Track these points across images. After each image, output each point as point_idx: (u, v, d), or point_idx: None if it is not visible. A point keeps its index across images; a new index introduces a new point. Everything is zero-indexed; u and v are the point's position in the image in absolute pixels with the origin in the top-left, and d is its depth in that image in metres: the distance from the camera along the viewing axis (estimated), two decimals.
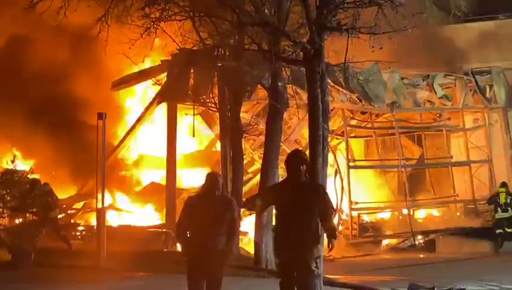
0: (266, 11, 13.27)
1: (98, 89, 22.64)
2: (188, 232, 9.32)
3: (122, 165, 23.35)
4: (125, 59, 19.02)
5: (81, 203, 22.47)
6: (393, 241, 21.39)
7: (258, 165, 19.27)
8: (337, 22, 12.48)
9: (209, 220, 9.10)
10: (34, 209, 19.29)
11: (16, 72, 21.79)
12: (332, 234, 9.16)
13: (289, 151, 19.30)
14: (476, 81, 25.65)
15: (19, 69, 21.80)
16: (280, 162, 16.71)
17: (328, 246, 9.08)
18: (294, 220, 9.05)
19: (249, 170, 19.36)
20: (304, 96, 15.86)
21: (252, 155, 20.54)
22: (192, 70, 19.53)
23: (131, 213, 22.18)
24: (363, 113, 23.42)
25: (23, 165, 22.27)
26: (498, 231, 22.03)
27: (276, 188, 10.66)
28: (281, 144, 17.45)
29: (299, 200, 9.06)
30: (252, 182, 19.65)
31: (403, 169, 24.08)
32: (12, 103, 21.60)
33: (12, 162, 20.41)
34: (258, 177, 18.88)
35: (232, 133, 18.21)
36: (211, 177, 9.70)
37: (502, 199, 22.34)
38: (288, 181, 9.55)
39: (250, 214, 18.55)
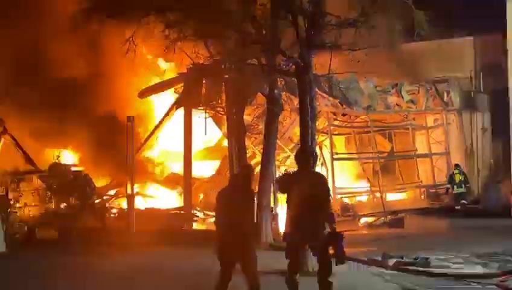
0: (264, 31, 13.19)
1: (128, 96, 22.59)
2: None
3: (147, 159, 23.23)
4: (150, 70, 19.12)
5: (114, 191, 22.33)
6: (369, 219, 21.38)
7: (258, 158, 19.20)
8: (322, 41, 12.51)
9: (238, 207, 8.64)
10: (76, 195, 19.34)
11: (65, 84, 21.22)
12: (332, 220, 8.90)
13: (284, 147, 19.24)
14: (435, 88, 25.82)
15: (67, 82, 21.25)
16: (276, 155, 16.85)
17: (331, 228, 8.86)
18: (306, 205, 8.74)
19: (251, 162, 19.28)
20: (296, 101, 15.77)
21: (254, 150, 20.44)
22: (204, 81, 19.47)
23: (155, 198, 22.16)
24: (343, 115, 23.30)
25: (68, 160, 22.47)
26: (454, 200, 23.45)
27: (291, 178, 10.14)
28: (277, 141, 17.45)
29: (310, 188, 8.86)
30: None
31: (376, 160, 24.13)
32: (61, 110, 21.38)
33: (58, 157, 20.38)
34: (258, 167, 18.85)
35: (236, 132, 18.24)
36: (242, 171, 9.71)
37: (457, 178, 23.38)
38: (299, 172, 9.38)
39: None
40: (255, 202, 9.38)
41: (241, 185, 8.96)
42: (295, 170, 9.73)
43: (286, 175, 11.71)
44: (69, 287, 11.51)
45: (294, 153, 10.16)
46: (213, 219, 10.99)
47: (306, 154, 9.75)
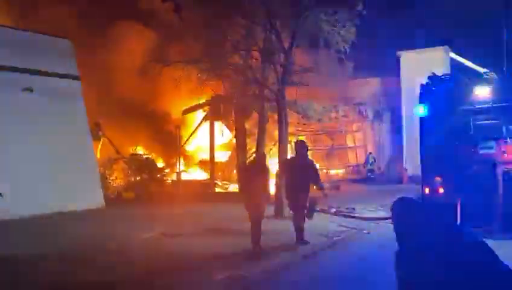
0: (258, 75, 13.23)
1: (176, 113, 22.54)
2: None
3: (187, 150, 23.05)
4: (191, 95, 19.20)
5: (168, 169, 22.08)
6: None
7: (254, 149, 19.20)
8: (292, 80, 12.60)
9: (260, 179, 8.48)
10: (146, 172, 19.37)
11: (139, 105, 20.97)
12: (322, 188, 8.97)
13: (268, 144, 18.74)
14: (358, 108, 25.62)
15: (141, 104, 21.02)
16: (264, 148, 16.80)
17: (323, 193, 8.96)
18: (298, 182, 8.68)
19: (250, 152, 19.26)
20: (275, 116, 15.72)
21: (251, 146, 20.42)
22: (221, 105, 19.50)
23: (192, 173, 22.20)
24: (304, 124, 23.29)
25: (141, 151, 22.45)
26: (368, 174, 23.32)
27: (289, 161, 10.06)
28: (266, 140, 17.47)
29: (303, 171, 8.73)
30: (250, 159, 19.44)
31: (324, 151, 24.32)
32: (136, 121, 21.15)
33: (135, 149, 20.38)
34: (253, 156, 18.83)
35: (241, 134, 18.27)
36: (259, 156, 9.54)
37: (370, 159, 23.56)
38: (296, 158, 9.17)
39: None
40: (268, 176, 8.80)
41: (258, 165, 8.85)
42: (293, 155, 9.43)
43: (289, 159, 11.17)
44: (144, 224, 11.49)
45: (294, 142, 9.84)
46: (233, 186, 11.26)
47: (303, 144, 9.36)
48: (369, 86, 26.06)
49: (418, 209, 2.78)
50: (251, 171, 8.92)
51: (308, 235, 9.20)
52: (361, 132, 26.44)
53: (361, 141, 26.31)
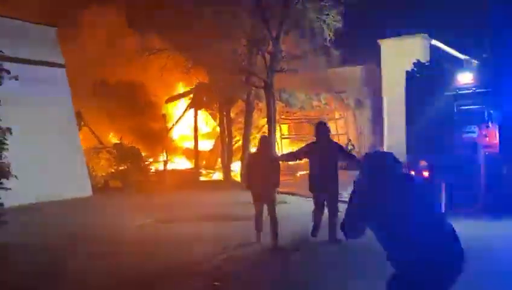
0: (245, 63, 13.34)
1: (161, 102, 22.39)
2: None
3: (172, 139, 22.98)
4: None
5: (152, 158, 21.89)
6: (303, 172, 21.48)
7: (238, 138, 19.33)
8: (281, 67, 12.75)
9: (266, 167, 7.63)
10: (130, 161, 19.24)
11: (123, 94, 20.75)
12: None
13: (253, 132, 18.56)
14: (340, 96, 25.78)
15: (125, 93, 20.78)
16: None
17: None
18: (325, 167, 7.66)
19: (235, 140, 19.36)
20: (261, 104, 15.91)
21: (237, 134, 20.52)
22: (205, 93, 19.50)
23: (176, 163, 22.17)
24: (287, 112, 23.49)
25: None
26: None
27: (311, 147, 8.17)
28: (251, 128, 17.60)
29: (329, 154, 7.73)
30: (236, 146, 19.58)
31: (306, 138, 24.47)
32: (120, 110, 20.98)
33: (120, 139, 20.17)
34: (238, 143, 18.98)
35: (226, 123, 18.34)
36: (264, 141, 8.17)
37: (349, 147, 22.91)
38: (318, 142, 7.88)
39: None
40: (278, 162, 8.06)
41: (264, 149, 7.91)
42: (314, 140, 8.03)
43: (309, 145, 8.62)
44: (130, 212, 11.60)
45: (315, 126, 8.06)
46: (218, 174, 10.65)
47: (325, 126, 8.07)
48: (351, 74, 26.29)
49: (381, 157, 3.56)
50: (258, 159, 7.91)
51: (297, 220, 9.45)
52: (343, 120, 26.72)
53: (343, 128, 26.58)
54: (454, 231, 3.32)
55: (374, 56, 25.00)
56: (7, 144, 4.38)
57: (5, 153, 4.41)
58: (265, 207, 7.87)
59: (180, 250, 7.74)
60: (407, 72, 11.13)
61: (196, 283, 6.07)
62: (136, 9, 16.22)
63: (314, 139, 8.10)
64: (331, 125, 26.40)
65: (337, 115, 26.97)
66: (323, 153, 7.67)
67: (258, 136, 17.78)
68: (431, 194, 3.72)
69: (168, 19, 13.80)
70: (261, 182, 7.59)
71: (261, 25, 12.25)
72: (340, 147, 8.48)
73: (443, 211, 3.96)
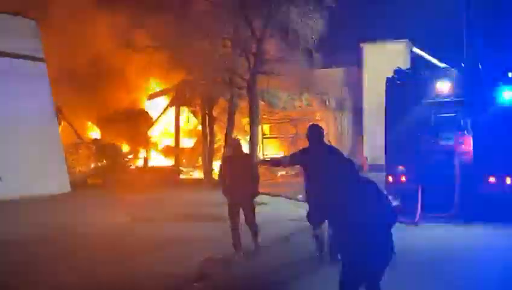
0: (227, 62, 13.39)
1: (141, 98, 22.29)
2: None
3: (152, 136, 22.89)
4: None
5: (131, 155, 21.88)
6: (283, 172, 21.58)
7: (219, 137, 19.37)
8: (264, 69, 12.85)
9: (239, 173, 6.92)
10: (110, 157, 19.20)
11: (105, 94, 20.74)
12: None
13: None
14: (322, 98, 25.87)
15: (107, 93, 20.75)
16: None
17: None
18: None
19: (216, 139, 19.40)
20: (242, 104, 15.88)
21: (218, 133, 20.52)
22: (187, 90, 19.48)
23: (156, 160, 22.12)
24: (269, 112, 23.57)
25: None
26: None
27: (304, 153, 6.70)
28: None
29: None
30: (217, 144, 19.63)
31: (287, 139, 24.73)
32: (100, 107, 20.88)
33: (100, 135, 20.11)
34: (219, 142, 19.02)
35: (208, 121, 18.33)
36: (235, 143, 7.39)
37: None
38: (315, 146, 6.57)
39: None
40: (256, 164, 7.56)
41: (240, 153, 7.20)
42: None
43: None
44: (108, 209, 11.64)
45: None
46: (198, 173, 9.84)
47: (319, 129, 6.71)
48: (333, 76, 26.54)
49: None
50: (233, 162, 7.14)
51: (277, 222, 9.57)
52: (324, 121, 26.93)
53: (324, 129, 26.77)
54: (389, 225, 4.15)
55: (356, 58, 25.42)
56: None
57: None
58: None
59: (156, 250, 7.75)
60: (387, 78, 11.35)
61: (171, 283, 6.10)
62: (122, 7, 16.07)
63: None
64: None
65: (318, 116, 27.24)
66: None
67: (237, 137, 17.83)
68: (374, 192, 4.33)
69: (151, 17, 13.77)
70: (237, 190, 6.90)
71: (245, 26, 12.32)
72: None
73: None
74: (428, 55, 22.53)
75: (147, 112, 19.02)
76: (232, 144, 7.49)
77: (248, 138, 13.92)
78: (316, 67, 17.07)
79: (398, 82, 11.18)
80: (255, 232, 7.30)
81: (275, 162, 8.20)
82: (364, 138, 23.92)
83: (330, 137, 26.30)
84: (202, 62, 14.11)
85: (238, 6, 12.14)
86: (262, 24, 12.36)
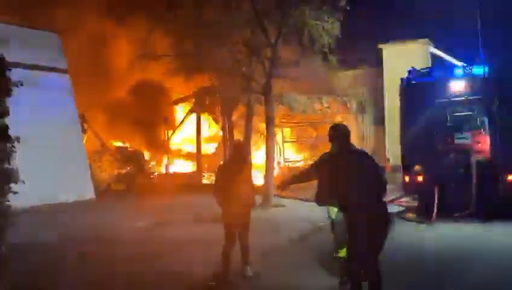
0: (245, 69, 13.66)
1: (163, 103, 22.73)
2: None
3: (174, 143, 23.33)
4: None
5: (154, 162, 22.42)
6: None
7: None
8: (278, 74, 13.07)
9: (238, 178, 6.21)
10: (133, 164, 19.70)
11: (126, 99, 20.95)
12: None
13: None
14: (343, 100, 25.83)
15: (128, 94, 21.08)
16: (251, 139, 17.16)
17: None
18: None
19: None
20: (260, 109, 16.08)
21: (239, 137, 20.74)
22: (207, 97, 19.85)
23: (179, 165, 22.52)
24: (288, 115, 23.73)
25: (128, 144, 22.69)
26: None
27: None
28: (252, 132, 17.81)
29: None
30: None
31: (308, 142, 24.81)
32: (124, 114, 21.33)
33: (124, 142, 20.59)
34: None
35: (228, 127, 18.68)
36: (238, 147, 6.86)
37: None
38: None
39: None
40: (251, 174, 6.70)
41: (239, 158, 6.44)
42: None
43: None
44: (130, 213, 12.10)
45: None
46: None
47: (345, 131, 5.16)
48: (353, 78, 26.56)
49: None
50: (231, 169, 6.35)
51: (294, 223, 9.79)
52: (345, 123, 26.89)
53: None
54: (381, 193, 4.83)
55: (377, 59, 25.38)
56: (15, 152, 4.79)
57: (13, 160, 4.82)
58: None
59: (176, 251, 8.07)
60: (402, 79, 11.48)
61: (188, 282, 6.39)
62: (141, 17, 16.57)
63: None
64: None
65: (339, 119, 27.23)
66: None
67: (261, 137, 17.93)
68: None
69: (171, 26, 14.18)
70: (236, 201, 6.14)
71: (260, 32, 12.59)
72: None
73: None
74: (447, 54, 22.34)
75: (166, 117, 19.44)
76: (234, 144, 6.87)
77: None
78: (333, 69, 17.24)
79: (413, 82, 11.30)
80: (246, 260, 6.47)
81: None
82: (386, 139, 23.80)
83: (353, 139, 26.29)
84: (219, 68, 14.50)
85: (254, 14, 12.40)
86: (277, 29, 12.59)
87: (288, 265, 7.28)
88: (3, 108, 4.69)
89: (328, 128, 5.21)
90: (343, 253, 5.68)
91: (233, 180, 6.13)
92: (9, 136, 4.73)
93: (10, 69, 4.85)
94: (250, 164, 6.67)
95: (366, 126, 26.65)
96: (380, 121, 25.07)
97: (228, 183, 6.15)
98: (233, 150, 6.53)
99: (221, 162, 6.68)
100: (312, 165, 5.53)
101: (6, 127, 4.73)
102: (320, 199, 4.94)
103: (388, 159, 22.58)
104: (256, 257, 7.59)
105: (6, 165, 4.81)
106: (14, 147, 4.76)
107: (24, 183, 4.70)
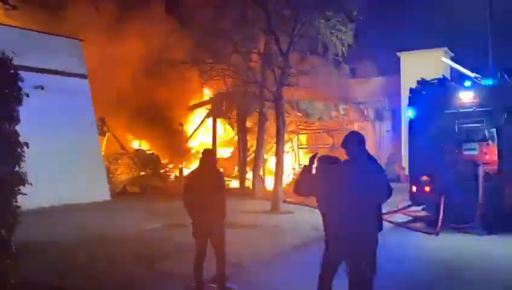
0: (258, 76, 13.96)
1: (180, 107, 23.14)
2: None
3: (191, 147, 23.67)
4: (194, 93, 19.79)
5: (171, 165, 22.69)
6: None
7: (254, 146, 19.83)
8: (289, 82, 13.30)
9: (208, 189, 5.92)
10: (150, 167, 20.08)
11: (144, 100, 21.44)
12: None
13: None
14: (359, 107, 26.08)
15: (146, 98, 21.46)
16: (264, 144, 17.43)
17: None
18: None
19: (252, 148, 19.89)
20: (273, 115, 16.39)
21: (252, 143, 20.98)
22: (224, 102, 20.20)
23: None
24: (305, 122, 23.89)
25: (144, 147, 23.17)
26: None
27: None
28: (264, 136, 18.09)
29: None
30: (251, 155, 20.14)
31: (324, 149, 24.80)
32: (140, 117, 21.65)
33: (140, 145, 21.02)
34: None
35: (242, 131, 19.01)
36: (207, 155, 6.26)
37: None
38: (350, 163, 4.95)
39: None
40: (224, 183, 6.42)
41: (207, 167, 6.06)
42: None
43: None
44: (143, 215, 12.41)
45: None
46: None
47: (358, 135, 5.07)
48: (371, 85, 26.61)
49: None
50: (197, 180, 6.10)
51: (300, 230, 9.96)
52: (363, 131, 26.87)
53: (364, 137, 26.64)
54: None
55: (395, 67, 25.42)
56: (24, 156, 5.15)
57: (22, 163, 5.18)
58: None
59: (184, 253, 8.29)
60: (411, 89, 11.58)
61: (190, 284, 6.62)
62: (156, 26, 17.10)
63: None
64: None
65: (356, 126, 27.27)
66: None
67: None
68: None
69: (187, 35, 14.66)
70: (204, 211, 5.91)
71: (272, 42, 12.87)
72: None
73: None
74: (462, 63, 22.20)
75: (181, 124, 19.82)
76: (202, 154, 6.20)
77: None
78: (350, 76, 17.44)
79: (422, 92, 11.38)
80: (222, 272, 6.17)
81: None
82: (403, 147, 23.72)
83: (369, 147, 26.25)
84: (234, 75, 14.88)
85: (267, 23, 12.70)
86: (289, 39, 12.84)
87: (287, 273, 7.42)
88: (14, 115, 5.03)
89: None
90: None
91: (201, 189, 5.87)
92: (18, 142, 5.08)
93: (23, 80, 5.16)
94: (220, 173, 6.39)
95: (384, 134, 26.65)
96: (396, 128, 25.05)
97: (196, 192, 5.91)
98: (201, 159, 6.08)
99: (190, 171, 6.03)
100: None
101: (16, 134, 5.08)
102: (298, 189, 5.14)
103: (403, 168, 22.52)
104: (257, 263, 7.89)
105: (16, 169, 5.15)
106: (23, 152, 5.10)
107: (31, 185, 5.02)
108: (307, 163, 5.15)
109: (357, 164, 4.79)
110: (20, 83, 5.15)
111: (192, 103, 23.67)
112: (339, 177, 4.72)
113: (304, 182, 5.07)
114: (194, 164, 22.98)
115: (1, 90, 4.94)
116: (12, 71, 5.07)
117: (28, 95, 5.14)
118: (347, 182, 4.59)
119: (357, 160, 4.79)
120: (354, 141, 4.91)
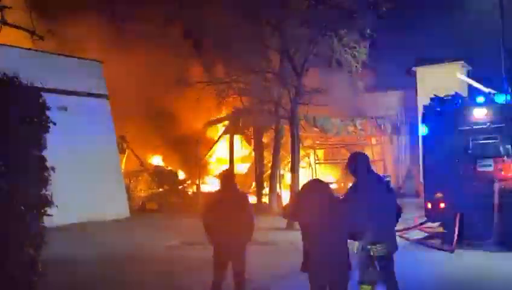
0: (273, 94, 14.24)
1: (196, 125, 23.52)
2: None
3: (208, 162, 24.00)
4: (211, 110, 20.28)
5: (189, 181, 23.01)
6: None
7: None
8: (303, 100, 13.58)
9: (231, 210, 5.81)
10: (168, 184, 20.47)
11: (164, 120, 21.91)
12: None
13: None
14: (376, 121, 26.09)
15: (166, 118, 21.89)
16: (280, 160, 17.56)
17: None
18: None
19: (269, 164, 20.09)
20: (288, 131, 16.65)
21: (269, 159, 21.13)
22: (240, 119, 20.52)
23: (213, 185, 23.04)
24: (322, 137, 24.04)
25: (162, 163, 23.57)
26: None
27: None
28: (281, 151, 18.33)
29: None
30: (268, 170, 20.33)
31: (342, 163, 24.84)
32: (160, 136, 22.17)
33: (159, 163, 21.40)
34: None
35: (259, 147, 19.27)
36: (227, 177, 6.26)
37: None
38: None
39: None
40: (250, 207, 6.15)
41: (228, 185, 6.02)
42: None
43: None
44: (161, 232, 12.72)
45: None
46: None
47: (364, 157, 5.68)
48: (388, 100, 26.61)
49: None
50: (218, 201, 6.07)
51: None
52: (380, 146, 26.94)
53: (379, 154, 26.79)
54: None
55: (412, 81, 25.42)
56: (50, 180, 5.53)
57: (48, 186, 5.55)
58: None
59: (199, 270, 8.56)
60: (424, 106, 11.72)
61: None
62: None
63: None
64: (367, 151, 26.97)
65: (373, 141, 27.30)
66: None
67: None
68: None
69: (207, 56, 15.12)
70: (223, 233, 5.73)
71: (287, 61, 13.20)
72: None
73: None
74: (479, 78, 22.17)
75: (198, 140, 20.21)
76: (223, 177, 6.19)
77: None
78: (366, 92, 17.63)
79: (436, 109, 11.50)
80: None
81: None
82: (421, 161, 23.62)
83: (387, 162, 26.25)
84: (249, 94, 15.22)
85: (280, 44, 13.05)
86: (302, 58, 13.15)
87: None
88: (42, 143, 5.41)
89: None
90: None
91: (221, 210, 5.76)
92: (46, 167, 5.45)
93: (49, 108, 5.55)
94: (244, 193, 6.46)
95: (401, 148, 26.58)
96: (414, 143, 24.98)
97: (218, 212, 5.79)
98: (222, 180, 6.10)
99: (210, 191, 5.95)
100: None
101: (44, 159, 5.45)
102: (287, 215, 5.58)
103: (422, 184, 22.40)
104: (272, 279, 8.10)
105: (43, 192, 5.52)
106: (49, 175, 5.47)
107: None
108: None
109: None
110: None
111: (209, 120, 23.99)
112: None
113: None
114: (210, 179, 23.43)
115: (31, 119, 5.31)
116: (41, 101, 5.44)
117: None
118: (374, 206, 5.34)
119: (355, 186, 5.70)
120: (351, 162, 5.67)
